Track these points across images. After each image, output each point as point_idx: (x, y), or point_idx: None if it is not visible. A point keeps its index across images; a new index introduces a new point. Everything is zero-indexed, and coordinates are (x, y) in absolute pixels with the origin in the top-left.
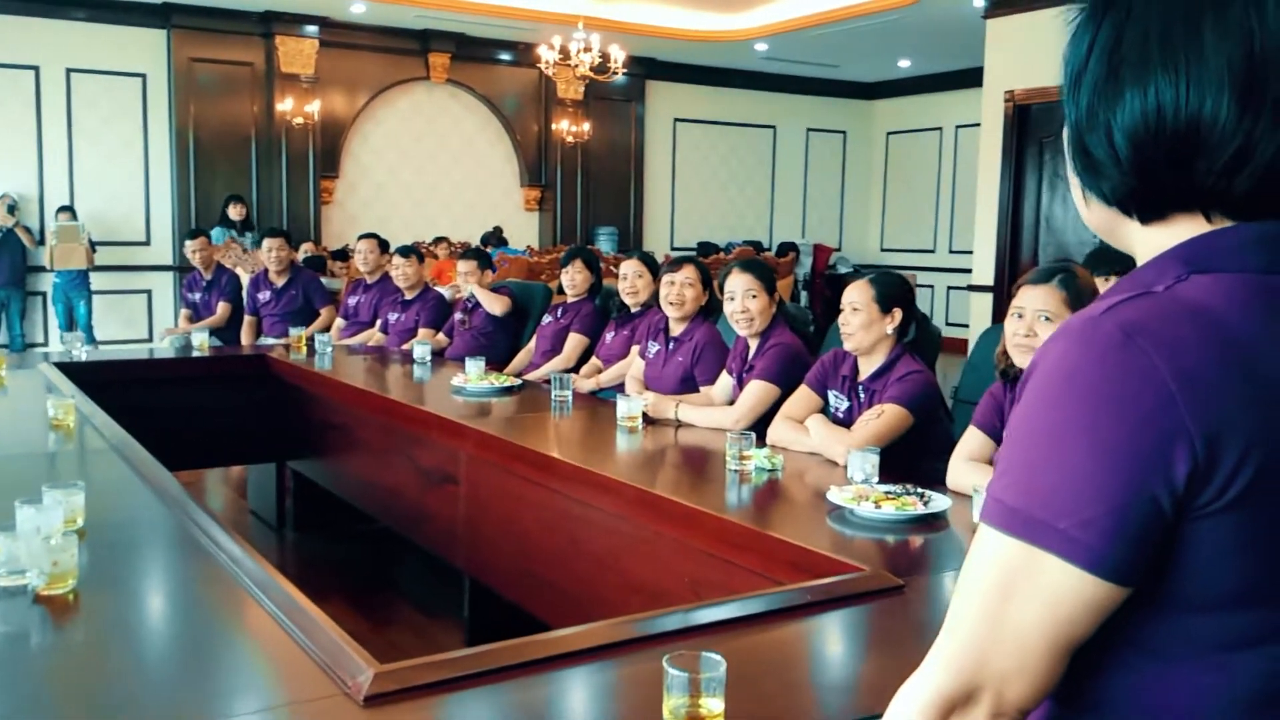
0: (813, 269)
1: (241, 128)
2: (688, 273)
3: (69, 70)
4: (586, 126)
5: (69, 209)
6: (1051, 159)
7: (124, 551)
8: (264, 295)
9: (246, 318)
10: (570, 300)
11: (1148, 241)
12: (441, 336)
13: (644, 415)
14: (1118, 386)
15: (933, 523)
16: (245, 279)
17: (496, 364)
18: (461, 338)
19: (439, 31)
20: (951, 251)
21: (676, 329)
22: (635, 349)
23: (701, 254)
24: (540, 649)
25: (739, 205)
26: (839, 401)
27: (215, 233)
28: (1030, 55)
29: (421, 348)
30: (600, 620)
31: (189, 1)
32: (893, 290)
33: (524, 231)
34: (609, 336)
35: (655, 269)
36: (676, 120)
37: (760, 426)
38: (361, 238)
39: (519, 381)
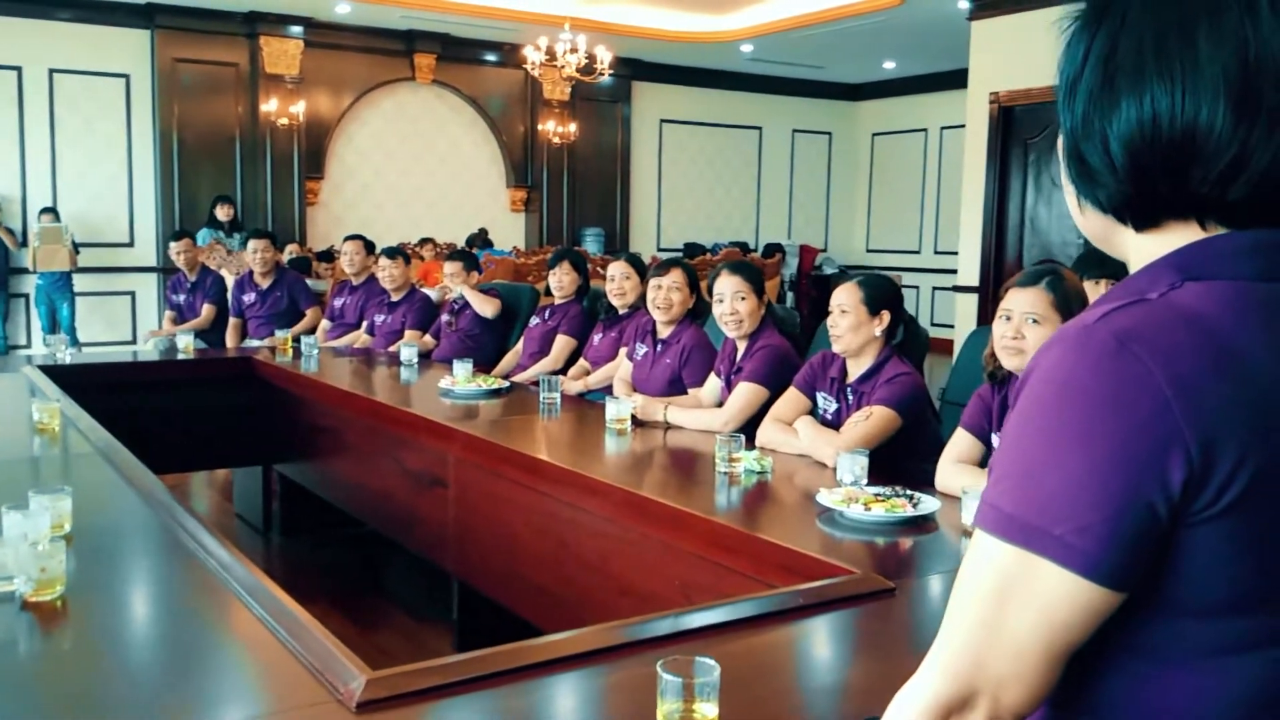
0: (799, 270)
1: (226, 128)
2: (674, 277)
3: (52, 70)
4: (573, 127)
5: (52, 210)
6: (1036, 160)
7: (112, 557)
8: (249, 297)
9: (231, 320)
10: (558, 302)
11: (1142, 249)
12: (428, 338)
13: (633, 417)
14: (1113, 393)
15: (922, 525)
16: (230, 281)
17: (483, 366)
18: (448, 339)
19: (424, 32)
20: (936, 252)
21: (664, 331)
22: (623, 351)
23: (688, 255)
24: (533, 654)
25: (725, 206)
26: (827, 403)
27: (202, 234)
28: (1015, 57)
29: (409, 350)
30: (590, 623)
31: (173, 2)
32: (881, 292)
33: (510, 232)
34: (597, 338)
35: (643, 271)
36: (663, 121)
37: (749, 428)
38: (347, 239)
39: (507, 384)
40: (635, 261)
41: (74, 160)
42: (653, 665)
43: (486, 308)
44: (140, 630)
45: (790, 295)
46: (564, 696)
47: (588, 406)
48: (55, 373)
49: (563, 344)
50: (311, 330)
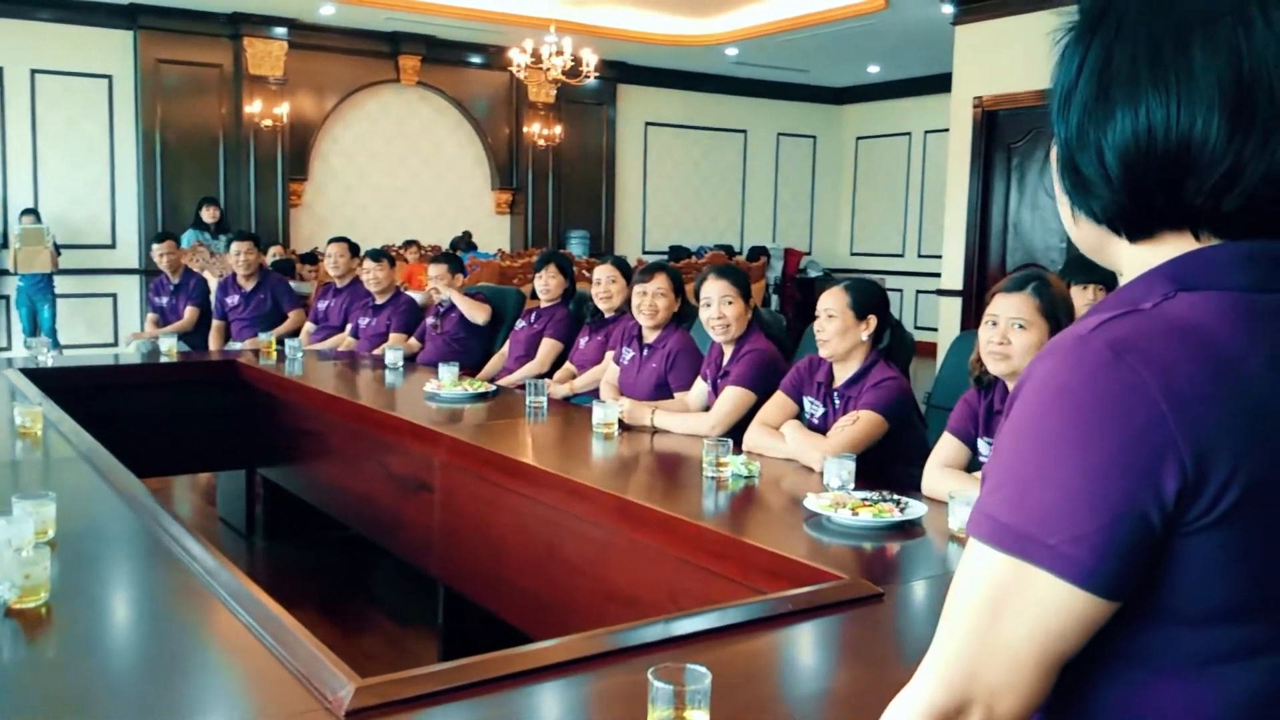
0: (783, 273)
1: (209, 130)
2: (659, 282)
3: (33, 71)
4: (558, 130)
5: (33, 211)
6: (1019, 164)
7: (95, 562)
8: (232, 299)
9: (215, 322)
10: (544, 305)
11: (1135, 259)
12: (413, 341)
13: (619, 421)
14: (1108, 404)
15: (909, 529)
16: (213, 283)
17: (469, 369)
18: (433, 343)
19: (409, 34)
20: (920, 256)
21: (650, 336)
22: (610, 354)
23: (673, 258)
24: (522, 662)
25: (710, 209)
26: (814, 408)
27: (187, 235)
28: (998, 61)
29: (394, 353)
30: (576, 628)
31: (156, 2)
32: (868, 297)
33: (495, 235)
34: (583, 342)
35: (629, 274)
36: (648, 124)
37: (736, 433)
38: (332, 241)
39: (493, 387)
40: (621, 265)
41: (56, 161)
42: (641, 672)
43: (478, 314)
44: (125, 637)
45: (775, 298)
46: (554, 704)
47: (574, 410)
48: (37, 376)
49: (549, 347)
50: (294, 332)
